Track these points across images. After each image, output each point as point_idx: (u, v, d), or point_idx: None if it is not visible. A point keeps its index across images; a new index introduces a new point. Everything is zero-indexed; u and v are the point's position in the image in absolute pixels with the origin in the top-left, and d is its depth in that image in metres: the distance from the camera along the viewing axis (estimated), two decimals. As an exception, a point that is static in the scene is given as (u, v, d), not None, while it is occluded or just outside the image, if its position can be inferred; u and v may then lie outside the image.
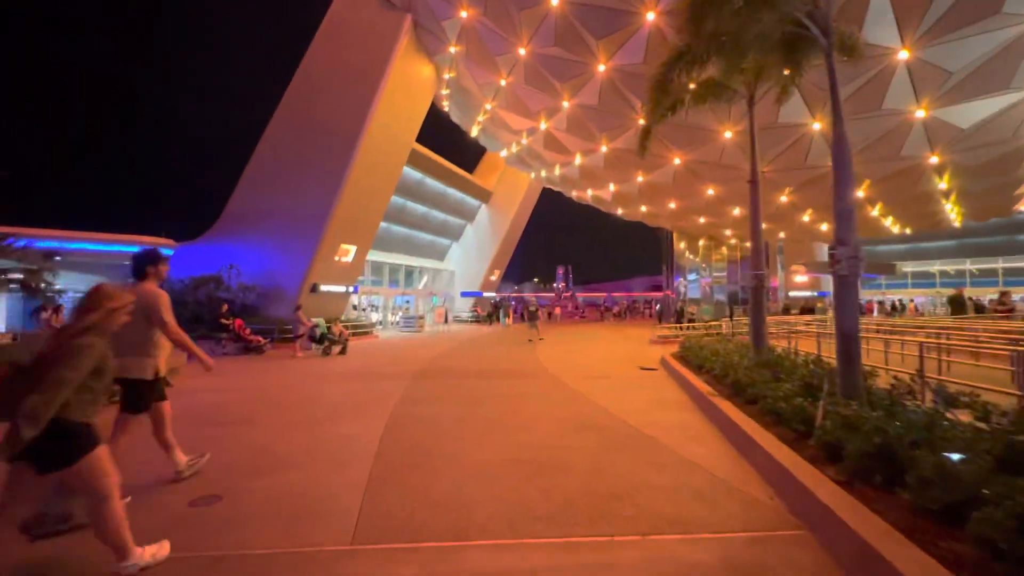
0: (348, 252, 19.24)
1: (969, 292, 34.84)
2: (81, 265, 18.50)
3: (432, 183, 28.02)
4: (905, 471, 3.20)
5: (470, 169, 32.76)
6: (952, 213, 17.71)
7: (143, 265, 3.61)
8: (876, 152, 12.98)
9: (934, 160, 12.98)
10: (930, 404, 4.54)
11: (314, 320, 14.87)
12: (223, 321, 14.63)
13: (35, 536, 2.59)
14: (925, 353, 5.70)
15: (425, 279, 32.56)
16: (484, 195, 33.12)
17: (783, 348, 9.19)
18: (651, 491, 3.72)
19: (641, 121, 14.00)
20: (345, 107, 17.47)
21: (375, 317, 25.82)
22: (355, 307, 25.45)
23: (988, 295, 33.78)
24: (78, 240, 17.82)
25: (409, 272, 30.39)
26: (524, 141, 19.16)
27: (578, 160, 18.32)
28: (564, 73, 13.83)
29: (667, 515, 3.30)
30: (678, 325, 18.19)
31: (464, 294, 34.51)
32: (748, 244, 30.38)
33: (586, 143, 16.55)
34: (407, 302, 29.28)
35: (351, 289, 20.29)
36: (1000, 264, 32.71)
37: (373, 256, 26.05)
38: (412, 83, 18.60)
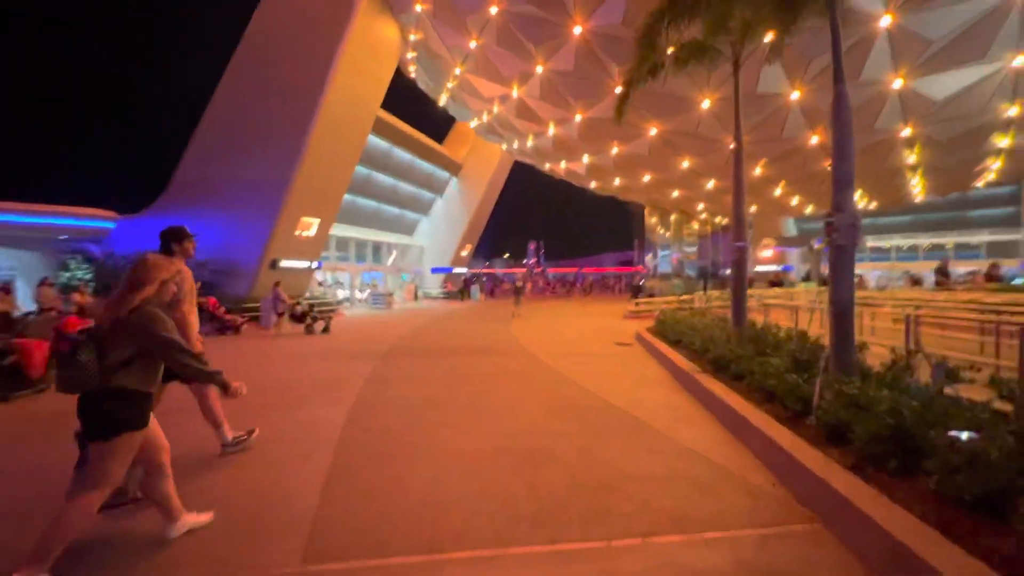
0: (310, 225, 18.20)
1: (919, 267, 36.45)
2: (8, 239, 16.87)
3: (400, 154, 26.81)
4: (923, 455, 2.94)
5: (439, 140, 31.57)
6: (917, 187, 18.07)
7: (168, 242, 3.43)
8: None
9: (906, 133, 13.01)
10: (927, 380, 4.34)
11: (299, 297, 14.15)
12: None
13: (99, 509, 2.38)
14: (894, 325, 5.54)
15: (394, 255, 31.54)
16: (454, 167, 32.05)
17: (760, 322, 9.06)
18: (646, 482, 3.37)
19: (618, 89, 13.48)
20: (303, 66, 16.20)
21: (341, 294, 24.84)
22: (320, 284, 24.40)
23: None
24: (3, 212, 16.13)
25: (377, 247, 29.31)
26: (495, 109, 18.34)
27: (551, 130, 17.68)
28: (538, 34, 13.07)
29: (667, 510, 2.95)
30: (635, 301, 18.11)
31: (435, 270, 33.69)
32: (720, 219, 30.66)
33: (560, 111, 15.91)
34: (375, 279, 28.30)
35: (314, 265, 19.30)
36: (952, 239, 34.10)
37: (338, 230, 24.91)
38: (376, 44, 17.39)
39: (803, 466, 3.29)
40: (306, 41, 16.11)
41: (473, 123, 22.83)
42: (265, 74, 16.63)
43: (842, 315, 4.86)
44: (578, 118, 15.77)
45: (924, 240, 35.36)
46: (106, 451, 2.23)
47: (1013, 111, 12.22)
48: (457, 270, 34.44)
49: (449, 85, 19.01)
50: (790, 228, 41.13)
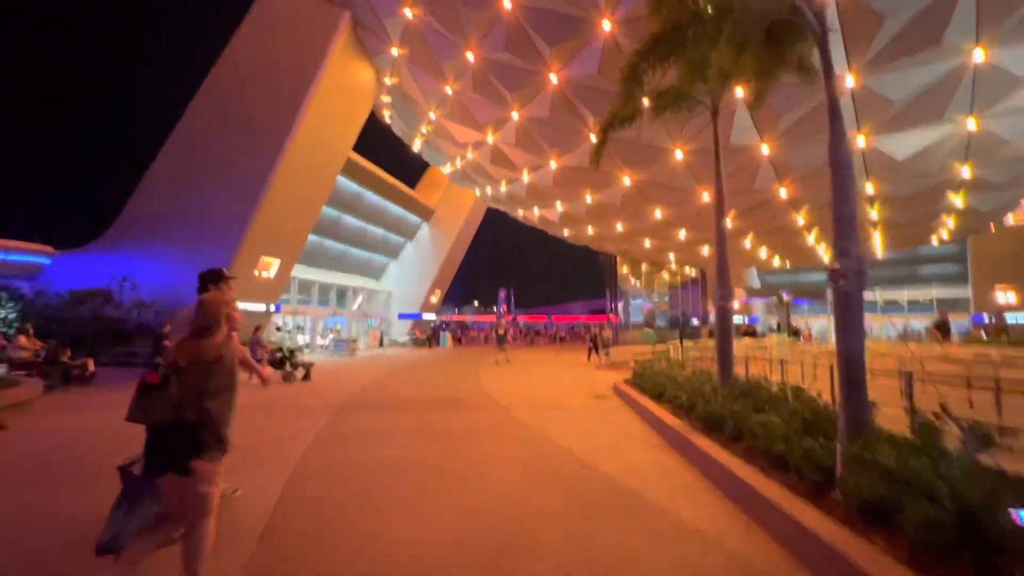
0: (270, 266, 17.21)
1: (879, 320, 37.75)
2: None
3: (371, 197, 26.39)
4: (996, 547, 2.36)
5: (412, 184, 31.45)
6: (876, 244, 18.81)
7: (206, 283, 3.60)
8: (814, 180, 13.22)
9: (869, 190, 13.46)
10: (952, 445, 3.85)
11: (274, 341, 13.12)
12: (23, 343, 11.41)
13: (119, 556, 2.38)
14: (888, 382, 5.14)
15: (360, 299, 30.42)
16: (426, 212, 31.80)
17: (740, 375, 8.62)
18: (656, 585, 2.64)
19: (593, 137, 13.57)
20: (272, 105, 15.78)
21: (301, 340, 23.45)
22: (279, 329, 23.02)
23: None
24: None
25: (342, 292, 28.21)
26: (470, 155, 18.26)
27: (526, 177, 17.65)
28: (514, 82, 13.12)
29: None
30: (602, 352, 17.67)
31: (402, 316, 32.61)
32: (690, 271, 31.18)
33: (535, 158, 15.90)
34: (338, 324, 27.03)
35: (273, 308, 18.13)
36: (905, 295, 35.58)
37: (301, 273, 23.87)
38: (349, 86, 17.25)
39: (846, 559, 2.65)
40: (277, 80, 15.81)
41: (447, 168, 22.76)
42: (231, 110, 16.12)
43: (851, 366, 4.39)
44: (553, 165, 15.77)
45: (879, 295, 36.72)
46: (192, 486, 2.31)
47: (965, 171, 12.83)
48: (426, 316, 33.46)
49: (424, 130, 18.94)
50: (754, 279, 42.34)
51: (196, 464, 2.28)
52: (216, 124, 16.19)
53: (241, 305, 16.54)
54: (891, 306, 36.75)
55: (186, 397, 2.32)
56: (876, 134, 11.36)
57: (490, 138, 16.16)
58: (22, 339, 11.33)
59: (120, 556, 2.34)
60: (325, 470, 4.81)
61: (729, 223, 17.20)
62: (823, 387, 6.95)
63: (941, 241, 23.21)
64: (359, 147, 24.21)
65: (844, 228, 4.56)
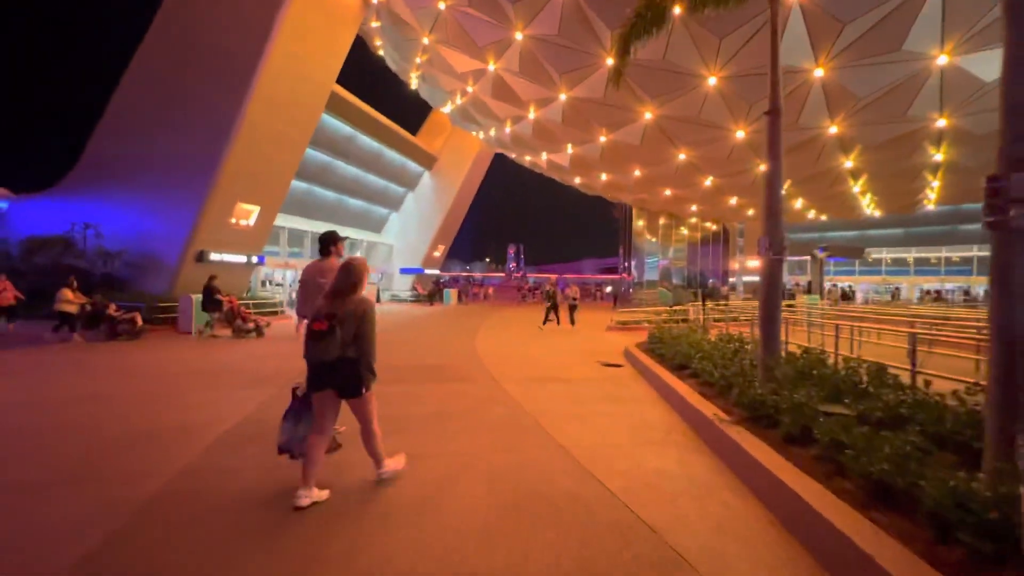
0: (249, 214, 15.63)
1: (911, 281, 35.43)
2: None
3: (365, 141, 24.32)
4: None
5: (413, 131, 29.20)
6: (868, 206, 17.36)
7: (327, 244, 4.15)
8: (874, 112, 11.15)
9: (849, 164, 13.94)
10: None
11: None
12: (69, 296, 10.70)
13: (294, 456, 3.24)
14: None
15: (358, 253, 28.92)
16: (428, 160, 29.67)
17: (788, 343, 7.03)
18: None
19: (610, 60, 11.47)
20: (238, 29, 13.70)
21: (290, 292, 22.20)
22: (268, 283, 21.74)
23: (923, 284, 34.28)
24: None
25: (338, 244, 26.72)
26: (470, 89, 16.11)
27: (532, 114, 15.53)
28: (517, -10, 10.91)
29: None
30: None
31: (404, 270, 31.16)
32: (710, 226, 28.94)
33: (542, 90, 13.77)
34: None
35: (255, 260, 16.70)
36: (944, 253, 33.15)
37: (291, 223, 22.30)
38: (329, 7, 15.00)
39: None
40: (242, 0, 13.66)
41: (447, 108, 20.56)
42: (193, 36, 14.08)
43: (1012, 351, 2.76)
44: (562, 97, 13.64)
45: (915, 254, 34.34)
46: (360, 404, 3.21)
47: (939, 156, 13.18)
48: (429, 272, 31.99)
49: (418, 60, 16.73)
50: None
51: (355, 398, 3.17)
52: (178, 53, 14.19)
53: (217, 256, 15.13)
54: (925, 265, 34.41)
55: (346, 339, 3.05)
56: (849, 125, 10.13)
57: (491, 66, 13.99)
58: (67, 292, 10.55)
59: (294, 455, 3.24)
60: (202, 489, 3.34)
61: (764, 167, 15.07)
62: (891, 360, 5.32)
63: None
64: (353, 88, 22.06)
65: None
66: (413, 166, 29.30)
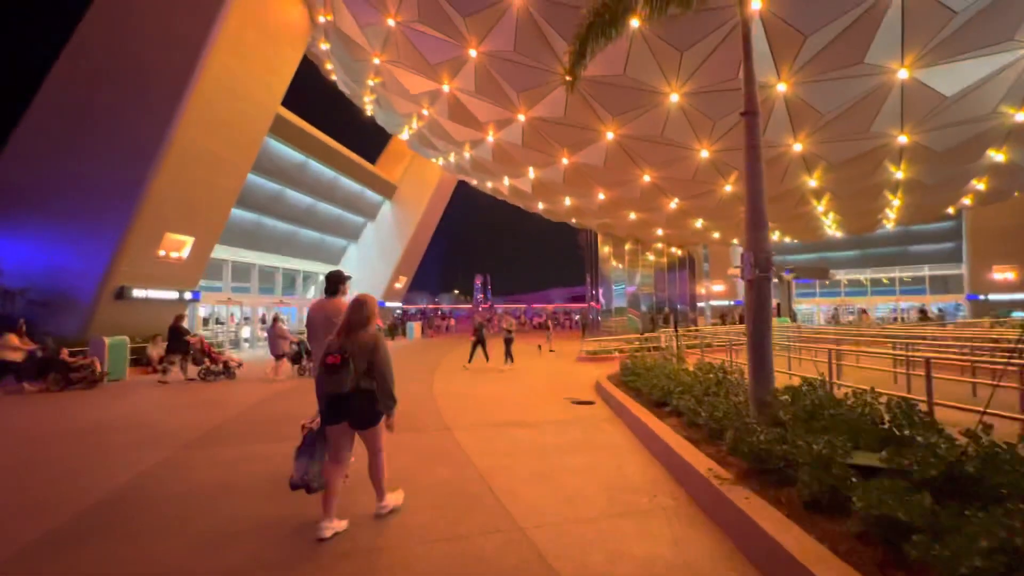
0: (181, 245, 14.14)
1: (868, 301, 36.28)
2: None
3: (319, 169, 23.18)
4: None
5: (372, 160, 28.31)
6: (831, 227, 17.71)
7: (336, 284, 4.31)
8: (839, 128, 10.95)
9: (813, 184, 13.83)
10: None
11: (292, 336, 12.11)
12: (14, 342, 9.70)
13: (311, 490, 3.31)
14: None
15: (312, 287, 27.31)
16: (387, 189, 28.70)
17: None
18: None
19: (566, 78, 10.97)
20: (167, 44, 12.60)
21: (226, 334, 20.42)
22: (217, 321, 19.87)
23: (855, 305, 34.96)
24: None
25: (291, 277, 25.04)
26: (425, 112, 15.38)
27: (491, 136, 14.88)
28: (468, 5, 10.31)
29: None
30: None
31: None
32: (676, 251, 28.86)
33: (500, 110, 13.14)
34: (281, 314, 23.88)
35: (188, 295, 15.09)
36: (897, 274, 34.13)
37: (235, 255, 20.69)
38: (271, 22, 14.15)
39: None
40: (174, 11, 12.62)
41: (404, 134, 19.79)
42: (117, 52, 12.86)
43: None
44: (521, 118, 13.03)
45: (871, 275, 35.20)
46: (372, 435, 3.30)
47: (899, 174, 13.15)
48: (391, 304, 30.55)
49: (370, 83, 15.94)
50: (737, 259, 40.53)
51: (384, 420, 3.30)
52: (99, 69, 12.88)
53: (141, 292, 13.51)
54: (883, 285, 35.28)
55: (359, 372, 3.15)
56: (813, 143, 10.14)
57: (446, 86, 13.31)
58: (11, 337, 9.65)
59: (311, 490, 3.30)
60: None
61: (730, 188, 14.87)
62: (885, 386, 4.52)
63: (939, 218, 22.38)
64: (308, 115, 21.10)
65: None
66: (372, 195, 28.25)
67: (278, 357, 11.18)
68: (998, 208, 23.34)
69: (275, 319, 11.83)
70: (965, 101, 9.81)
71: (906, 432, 3.41)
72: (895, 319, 31.62)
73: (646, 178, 14.72)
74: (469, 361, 12.85)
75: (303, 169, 22.01)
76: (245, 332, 21.89)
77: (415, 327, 29.46)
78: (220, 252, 18.54)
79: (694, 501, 3.70)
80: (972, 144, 11.43)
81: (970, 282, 30.31)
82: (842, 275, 36.39)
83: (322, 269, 27.74)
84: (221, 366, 11.16)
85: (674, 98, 10.72)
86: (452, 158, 18.96)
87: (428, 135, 17.51)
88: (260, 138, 15.52)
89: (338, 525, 3.15)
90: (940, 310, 32.78)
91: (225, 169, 14.42)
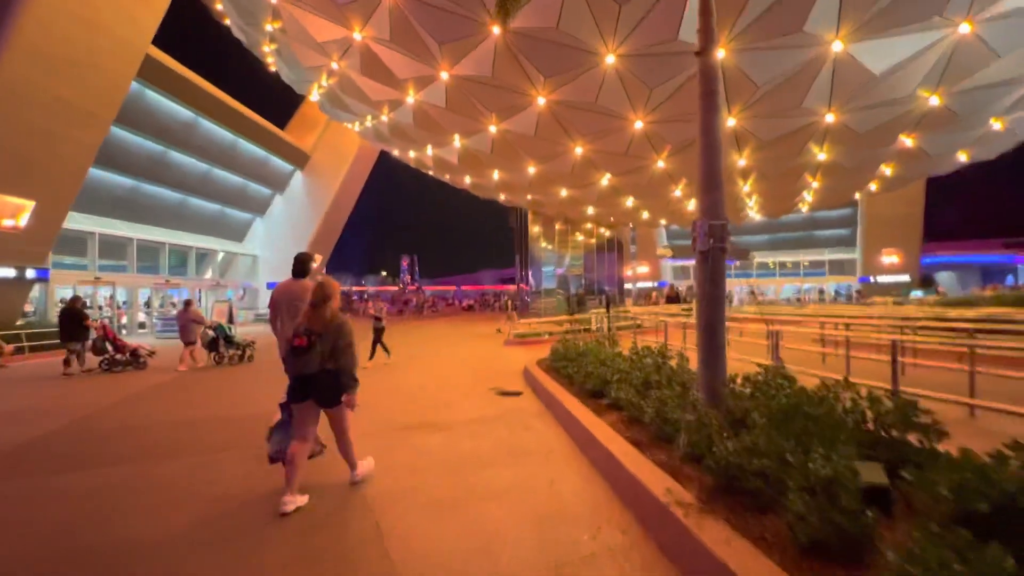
0: (17, 210, 11.36)
1: (776, 283, 38.82)
2: None
3: (213, 130, 20.17)
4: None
5: (281, 125, 25.32)
6: (752, 209, 18.34)
7: (305, 265, 4.42)
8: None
9: (742, 163, 13.76)
10: None
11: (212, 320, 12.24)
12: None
13: (286, 463, 3.30)
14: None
15: (209, 267, 24.15)
16: (299, 158, 25.90)
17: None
18: None
19: (496, 29, 9.74)
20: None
21: (111, 318, 17.39)
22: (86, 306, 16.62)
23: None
24: None
25: (181, 255, 21.84)
26: (335, 65, 13.43)
27: (411, 97, 13.30)
28: (379, -71, 8.71)
29: None
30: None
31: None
32: (605, 231, 28.75)
33: (420, 65, 11.61)
34: (172, 297, 20.80)
35: (32, 274, 12.28)
36: (803, 257, 36.61)
37: (105, 227, 17.49)
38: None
39: None
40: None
41: (314, 95, 17.51)
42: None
43: None
44: (444, 76, 11.61)
45: (781, 258, 37.45)
46: (337, 413, 3.43)
47: (822, 156, 13.36)
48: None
49: (268, 27, 13.66)
50: (663, 240, 41.73)
51: (344, 398, 3.39)
52: None
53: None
54: (787, 269, 37.76)
55: (324, 353, 3.27)
56: (745, 118, 10.29)
57: (357, 33, 11.52)
58: None
59: (285, 462, 3.32)
60: None
61: (662, 164, 14.46)
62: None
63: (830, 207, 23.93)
64: (203, 71, 18.03)
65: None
66: (280, 164, 25.34)
67: (189, 343, 10.29)
68: (890, 197, 25.32)
69: (187, 303, 10.98)
70: (890, 80, 9.84)
71: (897, 435, 2.72)
72: (798, 300, 33.92)
73: (578, 150, 13.91)
74: (370, 358, 10.56)
75: (192, 129, 18.93)
76: (131, 318, 18.74)
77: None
78: (82, 223, 15.52)
79: (649, 536, 2.80)
80: (889, 127, 11.71)
81: (863, 265, 33.11)
82: (757, 257, 38.54)
83: (221, 246, 24.61)
84: (127, 355, 10.10)
85: (610, 59, 9.84)
86: (369, 122, 17.04)
87: (340, 94, 15.48)
88: (125, 84, 12.79)
89: (300, 500, 3.24)
90: (836, 291, 35.68)
91: (78, 119, 11.70)
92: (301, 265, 4.38)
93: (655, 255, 39.34)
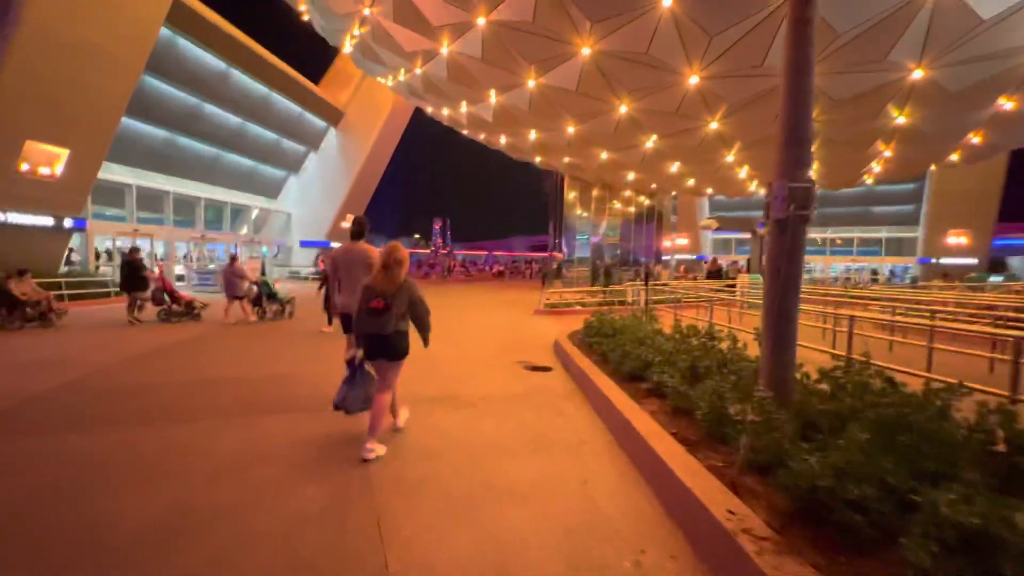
0: (53, 159, 11.36)
1: (827, 261, 36.52)
2: None
3: (246, 82, 19.84)
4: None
5: (316, 81, 24.80)
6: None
7: (362, 228, 4.51)
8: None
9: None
10: None
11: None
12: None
13: (349, 412, 3.68)
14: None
15: (244, 225, 24.37)
16: (333, 115, 25.45)
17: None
18: None
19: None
20: None
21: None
22: (104, 255, 17.00)
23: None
24: None
25: (217, 209, 22.03)
26: (367, 11, 12.66)
27: (445, 47, 12.46)
28: None
29: None
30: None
31: (305, 243, 26.99)
32: (644, 200, 27.40)
33: (455, 10, 10.74)
34: (205, 251, 21.10)
35: (70, 223, 12.42)
36: (856, 234, 34.25)
37: (142, 179, 17.64)
38: None
39: None
40: None
41: (347, 46, 16.82)
42: None
43: None
44: (480, 22, 10.70)
45: (830, 235, 35.15)
46: (397, 367, 3.64)
47: (901, 119, 11.80)
48: (337, 244, 28.02)
49: (299, -29, 12.96)
50: (704, 212, 39.79)
51: (395, 362, 3.60)
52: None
53: (0, 216, 10.88)
54: (843, 245, 35.41)
55: (398, 315, 3.44)
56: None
57: (389, -23, 10.71)
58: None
59: (348, 412, 3.68)
60: None
61: (716, 125, 13.22)
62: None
63: (894, 181, 21.57)
64: (237, 21, 17.55)
65: None
66: (314, 120, 24.98)
67: (235, 298, 10.41)
68: (963, 171, 22.91)
69: (232, 258, 11.04)
70: (998, 29, 8.37)
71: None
72: (848, 280, 31.86)
73: (623, 108, 12.84)
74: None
75: (225, 81, 18.64)
76: (178, 269, 19.17)
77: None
78: (119, 174, 15.62)
79: (708, 570, 2.25)
80: (988, 86, 10.17)
81: (924, 245, 30.67)
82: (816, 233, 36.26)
83: (256, 202, 24.75)
84: (184, 306, 10.37)
85: (666, 2, 8.73)
86: (403, 76, 16.28)
87: (373, 45, 14.73)
88: (154, 29, 12.42)
89: (380, 449, 3.45)
90: (891, 272, 33.37)
91: (106, 66, 11.45)
92: (359, 227, 4.51)
93: (696, 227, 37.58)
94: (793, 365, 3.79)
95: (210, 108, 18.81)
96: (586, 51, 10.67)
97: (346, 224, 28.17)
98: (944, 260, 29.31)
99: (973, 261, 27.61)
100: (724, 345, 5.56)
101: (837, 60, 9.51)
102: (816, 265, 35.75)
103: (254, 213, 24.80)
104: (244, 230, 24.04)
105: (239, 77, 19.10)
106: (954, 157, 14.80)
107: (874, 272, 33.09)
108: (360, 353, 3.60)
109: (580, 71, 11.43)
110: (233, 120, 20.30)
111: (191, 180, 19.66)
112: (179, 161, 18.96)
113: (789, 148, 3.78)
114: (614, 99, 12.50)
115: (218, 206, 21.65)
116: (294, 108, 22.90)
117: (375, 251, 4.30)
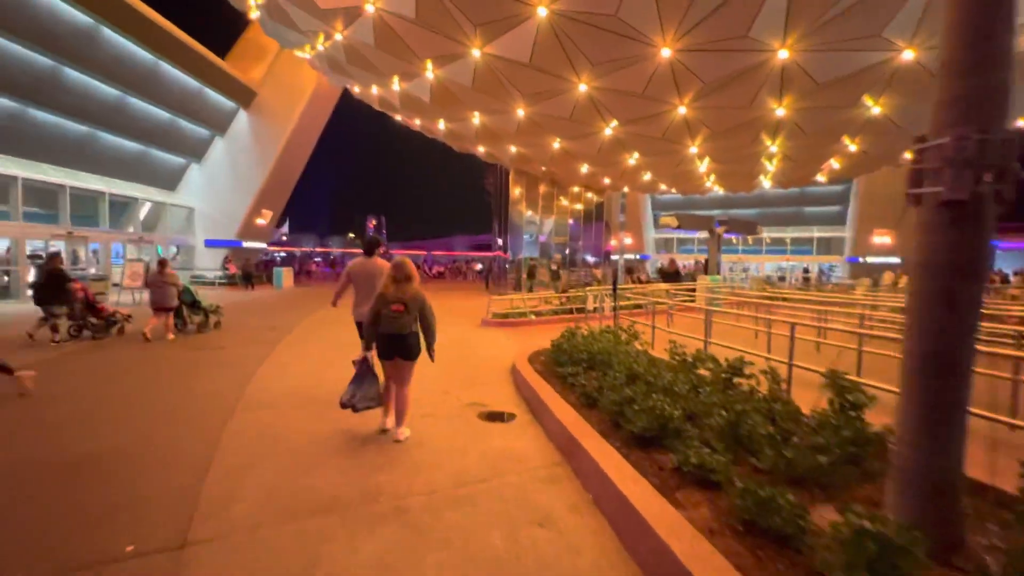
0: None
1: (761, 260, 37.40)
2: None
3: (125, 47, 16.29)
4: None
5: (221, 55, 21.33)
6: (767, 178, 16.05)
7: (374, 247, 5.12)
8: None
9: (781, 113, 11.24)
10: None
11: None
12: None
13: (356, 409, 3.91)
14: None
15: (131, 221, 20.42)
16: (242, 93, 22.05)
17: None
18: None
19: None
20: None
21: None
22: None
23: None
24: None
25: (90, 201, 18.04)
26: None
27: (371, 6, 10.22)
28: None
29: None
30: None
31: (210, 243, 23.32)
32: (593, 196, 26.19)
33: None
34: (83, 252, 17.24)
35: None
36: (790, 234, 35.22)
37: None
38: None
39: None
40: None
41: (254, 11, 13.99)
42: None
43: None
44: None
45: (768, 235, 35.90)
46: (411, 366, 4.05)
47: (876, 110, 11.09)
48: (251, 245, 24.48)
49: None
50: (648, 212, 39.63)
51: (409, 360, 4.03)
52: None
53: None
54: (777, 245, 36.29)
55: (412, 318, 3.92)
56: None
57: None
58: None
59: (356, 409, 3.90)
60: None
61: (683, 110, 11.86)
62: None
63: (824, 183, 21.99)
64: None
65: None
66: (219, 99, 21.46)
67: (167, 310, 8.86)
68: (888, 174, 23.55)
69: (162, 263, 9.22)
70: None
71: None
72: (781, 279, 32.52)
73: (582, 87, 11.21)
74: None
75: (93, 40, 15.04)
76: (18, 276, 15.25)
77: (286, 274, 23.96)
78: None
79: None
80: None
81: (852, 245, 31.92)
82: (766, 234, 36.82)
83: (147, 194, 20.88)
84: (103, 319, 8.92)
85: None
86: (322, 44, 13.72)
87: (282, 2, 12.14)
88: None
89: (406, 432, 4.07)
90: (820, 270, 34.59)
91: None
92: (370, 246, 5.08)
93: (640, 226, 37.28)
94: (960, 459, 2.16)
95: (72, 74, 15.11)
96: (543, 11, 8.88)
97: (261, 221, 24.74)
98: (870, 259, 30.63)
99: (897, 260, 28.94)
100: (763, 387, 3.99)
101: (820, 37, 8.39)
102: (752, 265, 36.52)
103: (144, 207, 20.91)
104: (131, 228, 20.13)
105: (112, 37, 15.54)
106: (907, 155, 14.63)
107: (805, 271, 34.07)
108: (370, 354, 3.99)
109: (535, 38, 9.62)
110: (108, 92, 16.60)
111: (50, 164, 15.85)
112: (34, 140, 15.14)
113: (971, 74, 2.09)
114: (573, 76, 10.82)
115: (91, 197, 17.74)
116: (191, 83, 19.38)
117: (388, 265, 4.46)
